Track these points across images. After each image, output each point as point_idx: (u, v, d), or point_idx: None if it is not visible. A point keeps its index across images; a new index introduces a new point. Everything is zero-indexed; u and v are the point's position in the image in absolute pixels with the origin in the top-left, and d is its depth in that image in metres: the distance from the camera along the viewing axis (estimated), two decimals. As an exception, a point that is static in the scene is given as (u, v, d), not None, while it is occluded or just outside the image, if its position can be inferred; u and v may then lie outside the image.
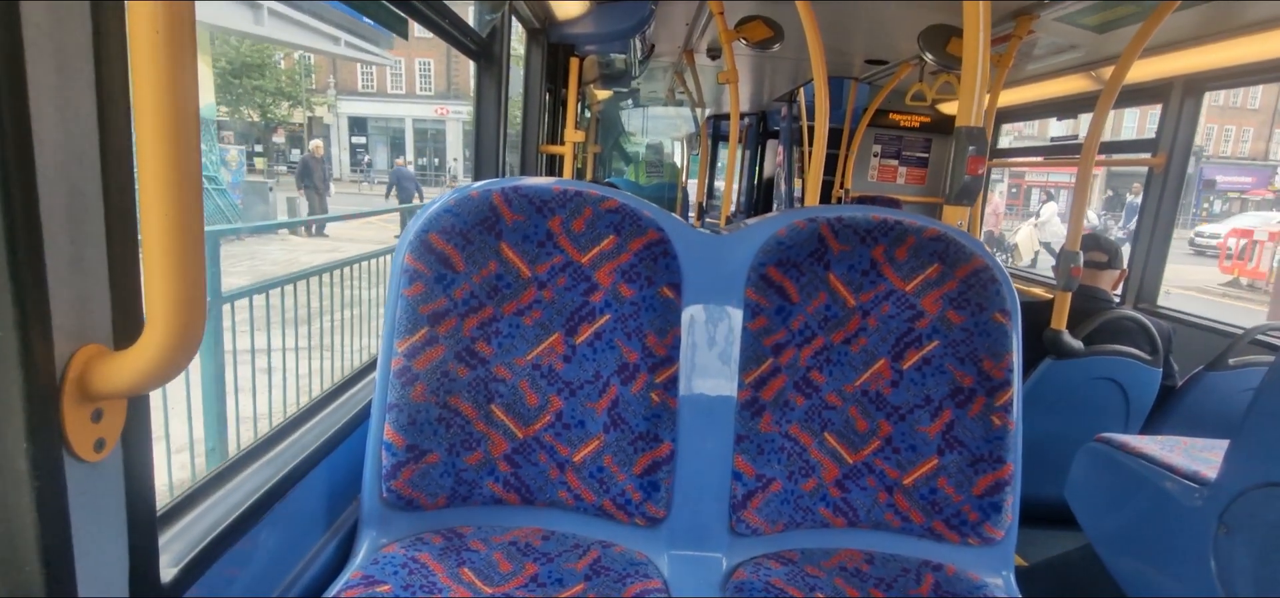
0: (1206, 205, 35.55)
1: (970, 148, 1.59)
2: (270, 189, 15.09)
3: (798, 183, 6.16)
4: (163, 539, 0.84)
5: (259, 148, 32.63)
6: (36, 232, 0.56)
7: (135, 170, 0.61)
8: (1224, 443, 1.56)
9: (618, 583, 1.19)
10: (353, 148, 35.20)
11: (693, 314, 1.34)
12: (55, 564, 0.61)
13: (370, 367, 1.55)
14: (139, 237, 0.64)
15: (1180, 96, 3.30)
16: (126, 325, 0.66)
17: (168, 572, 0.80)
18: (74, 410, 0.61)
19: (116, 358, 0.62)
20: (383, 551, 1.18)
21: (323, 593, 1.08)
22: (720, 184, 8.71)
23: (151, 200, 0.56)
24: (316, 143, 15.25)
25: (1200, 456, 1.77)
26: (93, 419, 0.64)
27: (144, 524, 0.73)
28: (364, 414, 1.33)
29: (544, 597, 1.15)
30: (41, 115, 0.56)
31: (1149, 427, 2.74)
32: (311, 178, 14.36)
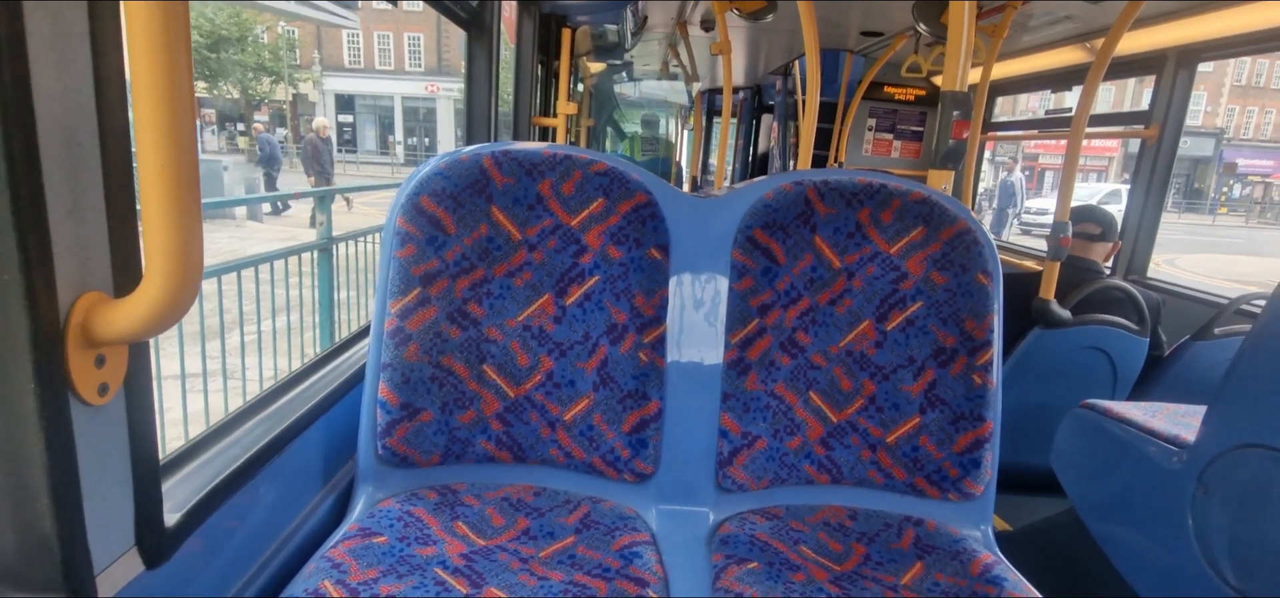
0: (1226, 190, 35.05)
1: (956, 112, 1.61)
2: (226, 168, 13.69)
3: (791, 163, 6.15)
4: (165, 487, 0.86)
5: (241, 127, 32.20)
6: (37, 179, 0.58)
7: (131, 120, 0.62)
8: (1204, 409, 1.59)
9: (607, 536, 1.22)
10: (339, 126, 34.79)
11: (680, 276, 1.36)
12: (64, 505, 0.63)
13: (365, 332, 1.57)
14: (136, 186, 0.66)
15: (1174, 68, 3.31)
16: (126, 273, 0.68)
17: (170, 517, 0.82)
18: (78, 355, 0.63)
19: (117, 305, 0.64)
20: (379, 505, 1.21)
21: (321, 545, 1.11)
22: (715, 161, 8.69)
23: (148, 150, 0.58)
24: (322, 122, 14.32)
25: (1181, 421, 1.80)
26: (96, 365, 0.65)
27: (148, 469, 0.75)
28: (359, 374, 1.35)
29: (536, 549, 1.18)
30: (40, 65, 0.57)
31: (1135, 395, 2.78)
32: (320, 161, 13.61)
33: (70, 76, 0.60)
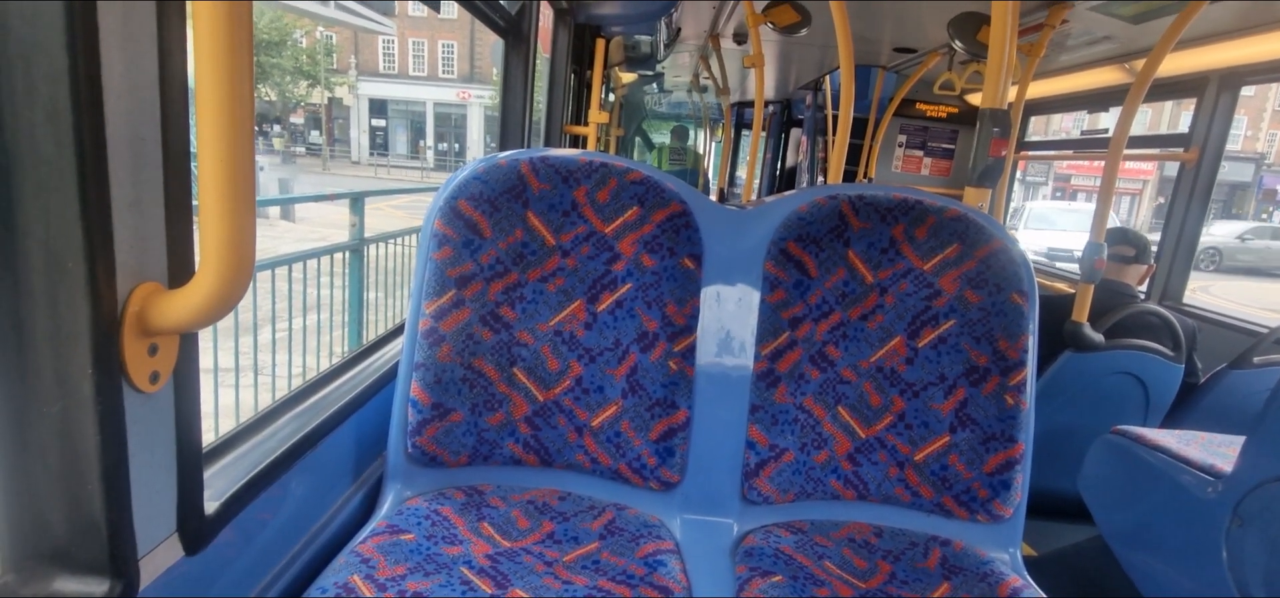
0: (1265, 217, 34.17)
1: (995, 130, 1.60)
2: (261, 168, 13.76)
3: (820, 177, 6.13)
4: (205, 474, 0.88)
5: (278, 129, 33.01)
6: (103, 173, 0.60)
7: (192, 119, 0.65)
8: (1242, 439, 1.55)
9: (631, 543, 1.23)
10: (372, 131, 35.38)
11: (712, 286, 1.37)
12: (113, 487, 0.66)
13: (398, 331, 1.59)
14: (193, 182, 0.68)
15: (1216, 91, 3.24)
16: (180, 265, 0.70)
17: (210, 506, 0.84)
18: (133, 343, 0.65)
19: (171, 296, 0.66)
20: (407, 503, 1.23)
21: (349, 540, 1.13)
22: (742, 174, 8.68)
23: (208, 147, 0.60)
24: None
25: (1217, 450, 1.77)
26: (149, 354, 0.68)
27: (191, 457, 0.77)
28: (392, 373, 1.38)
29: (560, 553, 1.19)
30: (110, 64, 0.60)
31: (1168, 423, 2.73)
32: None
33: (138, 75, 0.63)
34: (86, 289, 0.60)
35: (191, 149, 0.68)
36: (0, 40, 0.56)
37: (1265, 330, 2.77)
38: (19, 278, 0.60)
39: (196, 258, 0.66)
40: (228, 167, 0.61)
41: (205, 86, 0.58)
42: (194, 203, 0.69)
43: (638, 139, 12.63)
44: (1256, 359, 2.56)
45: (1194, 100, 3.36)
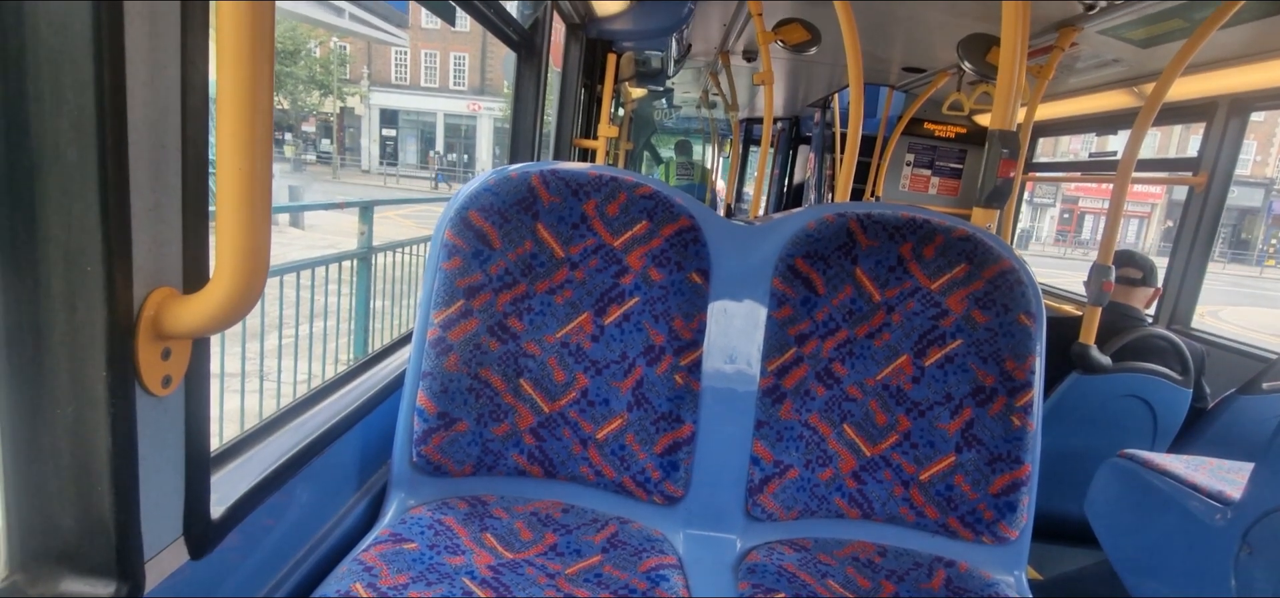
0: (1275, 241, 33.98)
1: (1003, 151, 1.60)
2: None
3: (828, 194, 6.14)
4: (212, 479, 0.89)
5: (289, 136, 33.36)
6: (125, 179, 0.61)
7: (211, 128, 0.66)
8: (1251, 465, 1.54)
9: (634, 557, 1.22)
10: (382, 141, 35.66)
11: (720, 301, 1.37)
12: (123, 489, 0.66)
13: (405, 339, 1.60)
14: (210, 189, 0.69)
15: (1225, 116, 3.24)
16: (195, 271, 0.71)
17: (216, 510, 0.84)
18: (147, 347, 0.66)
19: (186, 301, 0.67)
20: (410, 512, 1.23)
21: (353, 547, 1.13)
22: (749, 190, 8.70)
23: (227, 156, 0.61)
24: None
25: (1226, 476, 1.75)
26: (162, 357, 0.68)
27: (199, 461, 0.78)
28: (398, 382, 1.38)
29: (562, 565, 1.19)
30: (134, 72, 0.61)
31: (1176, 448, 2.71)
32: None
33: (161, 83, 0.64)
34: (104, 292, 0.61)
35: (210, 156, 0.69)
36: (31, 47, 0.57)
37: (1275, 356, 2.75)
38: (38, 279, 0.61)
39: (212, 263, 0.67)
40: (246, 174, 0.61)
41: (226, 94, 0.59)
42: (211, 209, 0.70)
43: (646, 154, 12.67)
44: (1266, 385, 2.54)
45: (1203, 125, 3.36)
